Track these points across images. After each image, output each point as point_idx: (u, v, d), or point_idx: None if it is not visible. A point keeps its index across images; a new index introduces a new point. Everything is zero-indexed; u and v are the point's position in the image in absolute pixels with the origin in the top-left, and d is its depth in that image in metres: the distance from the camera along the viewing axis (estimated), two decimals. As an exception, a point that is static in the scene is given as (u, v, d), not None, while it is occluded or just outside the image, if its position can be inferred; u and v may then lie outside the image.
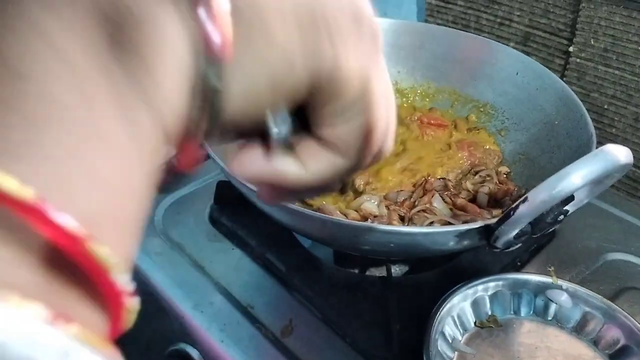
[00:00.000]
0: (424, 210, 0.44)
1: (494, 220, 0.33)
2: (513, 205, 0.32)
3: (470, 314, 0.43)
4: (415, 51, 0.58)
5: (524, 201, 0.31)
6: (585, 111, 0.45)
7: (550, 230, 0.37)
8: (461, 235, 0.35)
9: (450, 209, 0.45)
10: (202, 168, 0.60)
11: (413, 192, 0.46)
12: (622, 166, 0.30)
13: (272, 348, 0.41)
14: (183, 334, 0.44)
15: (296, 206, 0.35)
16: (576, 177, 0.30)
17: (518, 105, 0.52)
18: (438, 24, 0.72)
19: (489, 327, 0.43)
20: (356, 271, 0.47)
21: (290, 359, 0.41)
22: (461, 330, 0.43)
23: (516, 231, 0.33)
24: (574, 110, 0.46)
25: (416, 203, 0.44)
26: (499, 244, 0.34)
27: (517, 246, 0.36)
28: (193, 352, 0.43)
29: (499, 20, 0.68)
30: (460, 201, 0.44)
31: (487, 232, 0.34)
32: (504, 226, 0.32)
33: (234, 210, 0.51)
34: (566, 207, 0.36)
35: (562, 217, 0.36)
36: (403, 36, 0.57)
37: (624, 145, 0.60)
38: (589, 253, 0.51)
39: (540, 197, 0.30)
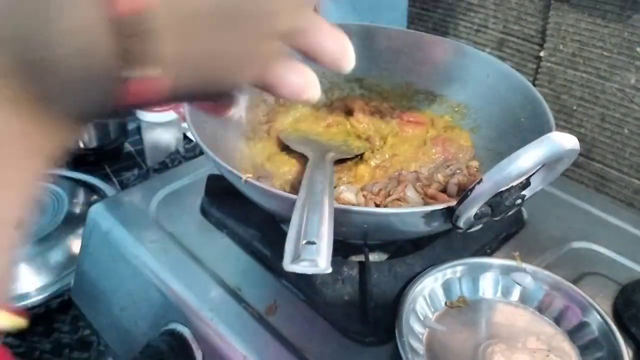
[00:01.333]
0: (398, 199, 0.47)
1: (455, 203, 0.37)
2: (470, 187, 0.35)
3: (441, 294, 0.47)
4: (396, 55, 0.62)
5: (479, 182, 0.35)
6: (547, 107, 0.49)
7: (510, 213, 0.40)
8: (427, 216, 0.38)
9: (422, 198, 0.48)
10: (193, 163, 0.64)
11: (388, 183, 0.50)
12: (567, 151, 0.34)
13: (258, 325, 0.45)
14: (176, 314, 0.47)
15: (278, 190, 0.39)
16: (525, 159, 0.34)
17: (489, 105, 0.56)
18: (419, 30, 0.76)
19: (458, 307, 0.47)
20: (338, 257, 0.50)
21: (274, 335, 0.44)
22: (432, 309, 0.46)
23: (475, 210, 0.37)
24: (537, 108, 0.50)
25: (391, 192, 0.48)
26: (461, 223, 0.37)
27: (478, 227, 0.39)
28: (185, 330, 0.46)
29: (475, 27, 0.72)
30: (431, 191, 0.48)
31: (450, 213, 0.38)
32: (463, 206, 0.36)
33: (223, 202, 0.55)
34: (523, 192, 0.40)
35: (519, 201, 0.40)
36: (385, 41, 0.61)
37: (591, 144, 0.65)
38: (555, 242, 0.54)
39: (494, 178, 0.34)
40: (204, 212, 0.56)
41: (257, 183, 0.39)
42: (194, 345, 0.45)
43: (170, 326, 0.47)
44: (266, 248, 0.51)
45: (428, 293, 0.46)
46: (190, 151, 0.88)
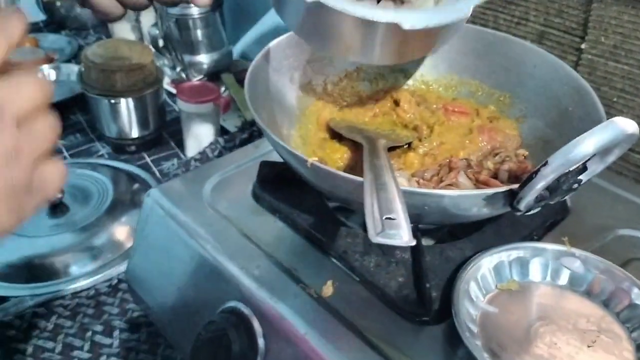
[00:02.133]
0: (450, 185, 0.49)
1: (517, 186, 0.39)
2: (535, 169, 0.37)
3: (492, 278, 0.48)
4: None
5: (544, 165, 0.36)
6: (596, 97, 0.50)
7: (567, 196, 0.42)
8: (489, 198, 0.40)
9: (474, 184, 0.50)
10: (241, 152, 0.66)
11: (440, 170, 0.51)
12: (628, 135, 0.35)
13: (316, 304, 0.46)
14: (235, 293, 0.49)
15: (334, 169, 0.41)
16: (589, 143, 0.35)
17: (535, 95, 0.58)
18: (458, 23, 0.77)
19: (509, 290, 0.48)
20: (389, 241, 0.51)
21: (332, 314, 0.46)
22: (484, 292, 0.47)
23: (537, 194, 0.38)
24: (585, 97, 0.51)
25: (443, 178, 0.50)
26: (521, 206, 0.39)
27: (536, 210, 0.41)
28: (245, 309, 0.48)
29: (515, 19, 0.73)
30: (483, 177, 0.50)
31: (511, 196, 0.39)
32: (527, 188, 0.37)
33: (275, 187, 0.57)
34: (580, 177, 0.41)
35: (576, 185, 0.41)
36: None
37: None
38: (599, 229, 0.56)
39: (558, 160, 0.36)
40: (256, 197, 0.57)
41: (323, 166, 0.41)
42: (255, 323, 0.47)
43: (229, 304, 0.49)
44: (319, 232, 0.52)
45: (480, 276, 0.48)
46: (229, 141, 0.90)
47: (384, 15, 0.38)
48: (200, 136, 0.92)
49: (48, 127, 0.32)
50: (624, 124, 0.35)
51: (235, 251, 0.52)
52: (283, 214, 0.55)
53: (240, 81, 1.08)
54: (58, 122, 0.33)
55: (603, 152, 0.40)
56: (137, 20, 1.13)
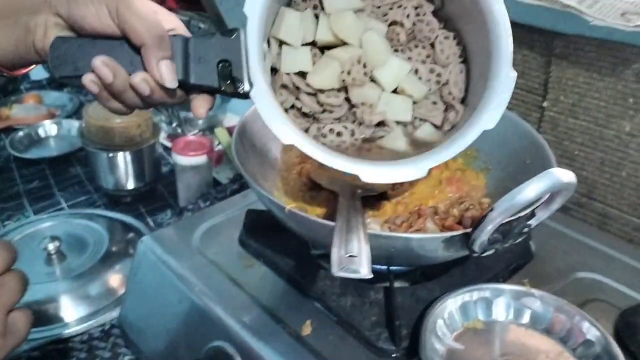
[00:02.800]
0: (418, 230, 0.54)
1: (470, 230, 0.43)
2: (484, 214, 0.42)
3: (459, 316, 0.52)
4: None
5: (491, 210, 0.41)
6: (549, 150, 0.55)
7: (518, 240, 0.46)
8: (447, 241, 0.44)
9: (440, 230, 0.54)
10: (228, 202, 0.70)
11: (409, 217, 0.56)
12: (565, 184, 0.40)
13: (295, 343, 0.50)
14: (220, 333, 0.53)
15: (308, 215, 0.45)
16: (530, 190, 0.40)
17: (498, 149, 0.63)
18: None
19: (474, 328, 0.52)
20: (366, 284, 0.56)
21: (310, 352, 0.49)
22: (451, 329, 0.51)
23: (488, 236, 0.43)
24: (540, 151, 0.57)
25: (412, 224, 0.54)
26: (476, 247, 0.43)
27: (491, 251, 0.45)
28: (228, 347, 0.51)
29: (483, 80, 0.80)
30: (448, 223, 0.54)
31: (466, 238, 0.44)
32: (477, 231, 0.42)
33: (260, 234, 0.61)
34: (529, 222, 0.46)
35: (526, 229, 0.46)
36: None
37: (593, 185, 0.70)
38: (561, 272, 0.60)
39: (503, 206, 0.40)
40: (242, 243, 0.62)
41: (299, 212, 0.46)
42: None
43: (214, 343, 0.52)
44: (300, 275, 0.56)
45: (447, 315, 0.52)
46: (221, 192, 0.95)
47: (345, 165, 0.43)
48: (193, 188, 0.97)
49: (18, 281, 0.39)
50: (559, 174, 0.40)
51: (222, 294, 0.56)
52: (267, 258, 0.59)
53: (231, 135, 1.14)
54: (25, 277, 0.40)
55: (548, 199, 0.45)
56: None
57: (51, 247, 0.83)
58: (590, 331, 0.50)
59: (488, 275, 0.57)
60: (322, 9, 0.46)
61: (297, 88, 0.46)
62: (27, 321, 0.40)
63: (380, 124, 0.47)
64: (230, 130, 1.16)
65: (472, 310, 0.53)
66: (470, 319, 0.52)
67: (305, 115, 0.47)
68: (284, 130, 0.42)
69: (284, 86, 0.46)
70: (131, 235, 0.91)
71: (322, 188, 0.61)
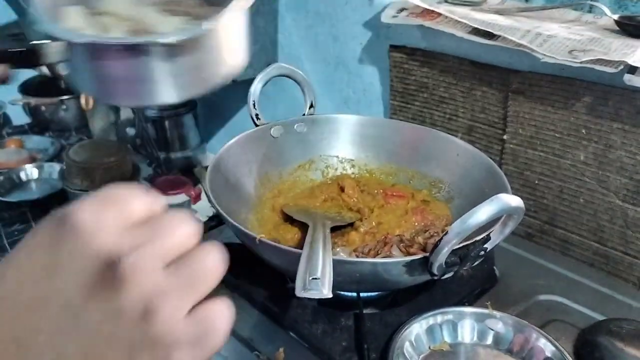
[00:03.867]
0: (385, 257, 0.56)
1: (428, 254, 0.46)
2: (439, 238, 0.44)
3: (425, 340, 0.54)
4: (381, 140, 0.73)
5: (446, 233, 0.44)
6: (505, 180, 0.59)
7: (476, 263, 0.49)
8: (407, 264, 0.47)
9: (406, 256, 0.57)
10: (209, 236, 0.73)
11: (376, 245, 0.59)
12: (514, 208, 0.44)
13: (268, 369, 0.52)
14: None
15: (286, 246, 0.48)
16: (481, 214, 0.43)
17: (460, 180, 0.67)
18: (400, 119, 0.88)
19: (441, 350, 0.54)
20: (336, 311, 0.58)
21: (282, 378, 0.51)
22: (418, 352, 0.53)
23: (445, 258, 0.45)
24: (498, 180, 0.61)
25: (379, 252, 0.57)
26: (435, 269, 0.46)
27: (450, 274, 0.48)
28: (203, 376, 0.53)
29: (447, 116, 0.84)
30: (413, 250, 0.57)
31: (426, 262, 0.46)
32: (435, 254, 0.45)
33: (234, 266, 0.63)
34: (485, 245, 0.49)
35: (482, 252, 0.49)
36: (371, 128, 0.73)
37: (554, 212, 0.74)
38: (523, 295, 0.63)
39: (456, 228, 0.44)
40: (218, 276, 0.64)
41: (269, 241, 0.48)
42: (213, 388, 0.51)
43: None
44: (274, 304, 0.58)
45: (414, 338, 0.54)
46: (199, 229, 0.97)
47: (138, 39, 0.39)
48: (172, 226, 0.99)
49: (209, 264, 0.26)
50: (507, 199, 0.44)
51: (197, 324, 0.57)
52: (242, 290, 0.61)
53: (211, 174, 1.17)
54: (224, 255, 0.28)
55: (501, 224, 0.48)
56: (116, 122, 1.23)
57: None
58: (550, 349, 0.52)
59: (454, 299, 0.59)
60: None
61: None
62: (225, 317, 0.27)
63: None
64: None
65: (438, 333, 0.55)
66: (436, 342, 0.55)
67: None
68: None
69: None
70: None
71: (294, 221, 0.64)
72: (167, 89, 0.40)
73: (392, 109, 0.90)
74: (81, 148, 0.98)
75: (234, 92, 1.19)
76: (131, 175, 0.99)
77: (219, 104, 1.26)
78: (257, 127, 0.69)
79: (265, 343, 0.55)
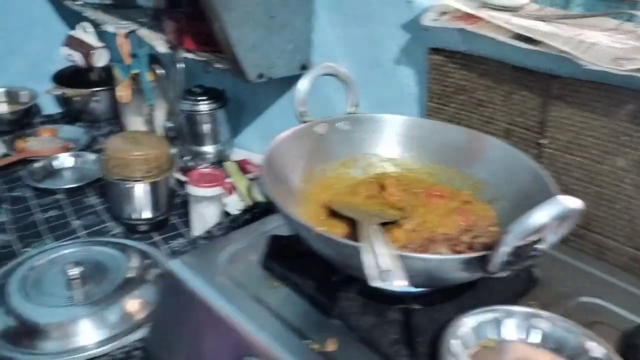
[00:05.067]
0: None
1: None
2: (500, 237, 0.46)
3: (473, 336, 0.56)
4: (423, 140, 0.75)
5: (506, 233, 0.46)
6: (551, 182, 0.60)
7: (530, 262, 0.51)
8: (464, 262, 0.49)
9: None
10: (248, 229, 0.74)
11: (423, 243, 0.60)
12: (571, 210, 0.45)
13: (321, 358, 0.53)
14: (248, 348, 0.56)
15: (337, 236, 0.50)
16: (540, 215, 0.44)
17: (502, 181, 0.68)
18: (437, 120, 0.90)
19: (487, 347, 0.56)
20: (384, 305, 0.59)
21: (334, 367, 0.53)
22: (465, 349, 0.55)
23: (503, 258, 0.47)
24: (541, 183, 0.62)
25: (426, 249, 0.58)
26: (492, 268, 0.48)
27: (507, 273, 0.49)
28: (255, 361, 0.54)
29: (484, 119, 0.86)
30: (459, 249, 0.59)
31: (484, 260, 0.48)
32: (494, 253, 0.46)
33: (282, 258, 0.65)
34: (540, 246, 0.51)
35: (537, 253, 0.51)
36: (414, 129, 0.74)
37: (590, 218, 0.75)
38: (564, 297, 0.64)
39: (517, 229, 0.45)
40: (265, 266, 0.66)
41: (328, 234, 0.50)
42: (266, 375, 0.53)
43: (244, 358, 0.55)
44: (322, 296, 0.60)
45: (462, 334, 0.55)
46: (233, 222, 0.98)
47: None
48: (206, 217, 1.01)
49: None
50: (566, 200, 0.45)
51: (248, 312, 0.59)
52: (289, 281, 0.63)
53: (240, 168, 1.19)
54: None
55: (556, 225, 0.50)
56: (150, 115, 1.25)
57: (73, 272, 0.86)
58: (596, 349, 0.53)
59: (497, 298, 0.61)
60: None
61: None
62: None
63: None
64: (239, 164, 1.21)
65: (485, 330, 0.56)
66: (483, 338, 0.56)
67: None
68: None
69: None
70: (147, 262, 0.94)
71: (340, 216, 0.66)
72: None
73: (429, 110, 0.92)
74: (120, 138, 1.00)
75: (265, 90, 1.21)
76: (167, 168, 1.01)
77: (249, 101, 1.28)
78: (303, 124, 0.71)
79: (315, 332, 0.56)
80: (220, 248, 0.69)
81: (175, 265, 0.66)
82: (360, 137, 0.74)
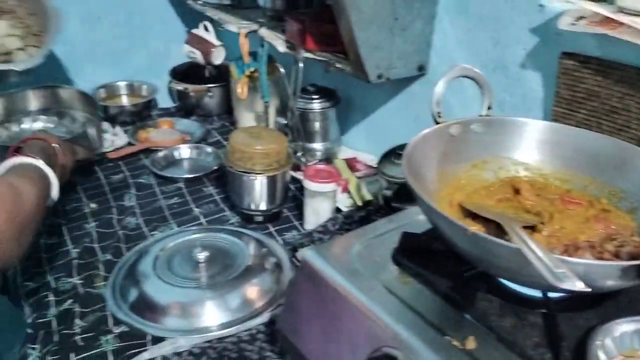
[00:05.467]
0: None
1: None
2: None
3: (616, 345, 0.55)
4: (556, 145, 0.74)
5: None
6: None
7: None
8: (625, 269, 0.48)
9: (598, 262, 0.58)
10: (380, 224, 0.76)
11: (567, 249, 0.60)
12: None
13: (464, 355, 0.54)
14: (386, 340, 0.58)
15: (494, 237, 0.50)
16: None
17: (642, 190, 0.66)
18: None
19: (631, 357, 0.54)
20: (524, 308, 0.59)
21: (476, 364, 0.54)
22: (609, 357, 0.54)
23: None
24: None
25: (570, 255, 0.58)
26: (654, 277, 0.47)
27: (665, 283, 0.48)
28: (398, 354, 0.56)
29: (617, 127, 0.83)
30: (605, 257, 0.58)
31: (642, 268, 0.47)
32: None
33: (414, 254, 0.66)
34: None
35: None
36: (547, 133, 0.73)
37: None
38: None
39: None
40: (397, 261, 0.67)
41: (484, 234, 0.51)
42: (407, 365, 0.55)
43: (382, 349, 0.57)
44: (457, 294, 0.61)
45: (605, 343, 0.54)
46: (348, 218, 1.01)
47: None
48: (319, 212, 1.04)
49: None
50: None
51: (384, 304, 0.61)
52: (423, 277, 0.64)
53: (349, 166, 1.21)
54: None
55: None
56: (265, 112, 1.30)
57: (200, 256, 0.92)
58: None
59: (638, 308, 0.59)
60: None
61: None
62: None
63: None
64: (348, 162, 1.23)
65: (629, 340, 0.55)
66: (626, 348, 0.55)
67: None
68: None
69: None
70: (264, 250, 0.99)
71: (474, 217, 0.66)
72: None
73: (555, 115, 0.90)
74: (244, 133, 1.06)
75: (376, 90, 1.23)
76: (285, 162, 1.06)
77: (359, 101, 1.31)
78: (437, 125, 0.72)
79: (452, 329, 0.58)
80: (351, 241, 0.72)
81: (310, 255, 0.69)
82: (492, 140, 0.74)
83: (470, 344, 0.56)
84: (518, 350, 0.55)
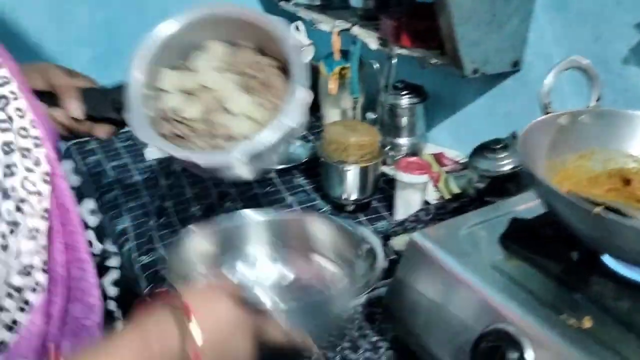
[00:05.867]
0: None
1: None
2: None
3: None
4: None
5: None
6: None
7: None
8: None
9: None
10: (485, 211, 0.78)
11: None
12: None
13: (582, 334, 0.56)
14: (499, 316, 0.60)
15: (625, 219, 0.52)
16: None
17: None
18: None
19: None
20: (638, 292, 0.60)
21: (596, 343, 0.55)
22: None
23: None
24: None
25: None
26: None
27: None
28: (512, 329, 0.58)
29: None
30: None
31: None
32: None
33: (523, 239, 0.68)
34: None
35: None
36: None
37: None
38: None
39: None
40: (505, 245, 0.69)
41: (612, 215, 0.53)
42: (524, 340, 0.57)
43: (496, 326, 0.60)
44: (571, 277, 0.63)
45: None
46: (440, 208, 1.03)
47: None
48: (410, 203, 1.07)
49: None
50: None
51: (495, 283, 0.63)
52: (532, 260, 0.66)
53: (437, 161, 1.24)
54: None
55: None
56: (355, 107, 1.34)
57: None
58: None
59: None
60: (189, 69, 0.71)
61: (174, 120, 0.67)
62: None
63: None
64: (435, 157, 1.26)
65: None
66: None
67: (178, 137, 0.68)
68: (148, 136, 0.66)
69: (166, 119, 0.68)
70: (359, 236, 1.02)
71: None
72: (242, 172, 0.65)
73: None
74: (340, 125, 1.10)
75: (467, 87, 1.24)
76: (377, 155, 1.09)
77: (448, 97, 1.32)
78: (547, 115, 0.74)
79: (567, 309, 0.59)
80: (457, 226, 0.74)
81: (417, 238, 0.72)
82: (601, 131, 0.75)
83: (587, 323, 0.57)
84: (637, 331, 0.56)
